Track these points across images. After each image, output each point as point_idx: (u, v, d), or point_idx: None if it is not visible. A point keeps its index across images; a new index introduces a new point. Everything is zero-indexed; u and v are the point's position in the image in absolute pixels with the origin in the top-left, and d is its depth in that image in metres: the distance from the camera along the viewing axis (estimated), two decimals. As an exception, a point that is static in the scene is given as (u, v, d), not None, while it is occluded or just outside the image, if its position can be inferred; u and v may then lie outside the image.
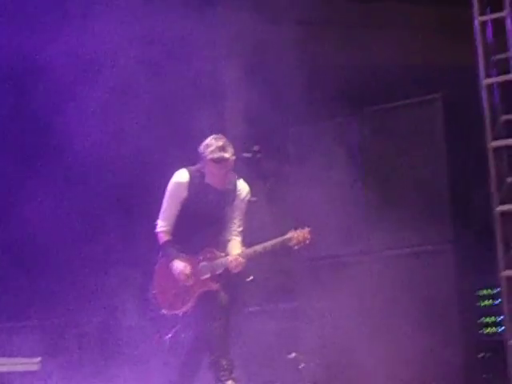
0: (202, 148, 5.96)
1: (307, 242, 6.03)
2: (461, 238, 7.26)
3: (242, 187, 6.15)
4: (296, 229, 6.00)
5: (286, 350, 7.17)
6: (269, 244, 5.99)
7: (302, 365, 6.48)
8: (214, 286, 6.05)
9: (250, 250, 6.00)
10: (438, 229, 7.25)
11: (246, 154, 8.36)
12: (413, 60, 8.30)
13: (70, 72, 8.27)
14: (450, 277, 7.20)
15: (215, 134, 6.05)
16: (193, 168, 6.08)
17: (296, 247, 6.03)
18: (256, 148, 8.40)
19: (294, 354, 6.50)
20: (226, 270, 6.03)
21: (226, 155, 5.90)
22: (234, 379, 6.02)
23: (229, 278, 6.17)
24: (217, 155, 5.88)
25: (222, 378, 5.96)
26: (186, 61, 8.24)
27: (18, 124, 8.85)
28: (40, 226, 8.67)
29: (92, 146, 8.41)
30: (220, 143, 5.91)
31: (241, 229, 6.12)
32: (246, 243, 6.07)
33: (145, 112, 8.27)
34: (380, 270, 7.41)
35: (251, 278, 8.58)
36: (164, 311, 6.17)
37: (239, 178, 6.14)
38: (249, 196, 6.18)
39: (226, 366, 6.01)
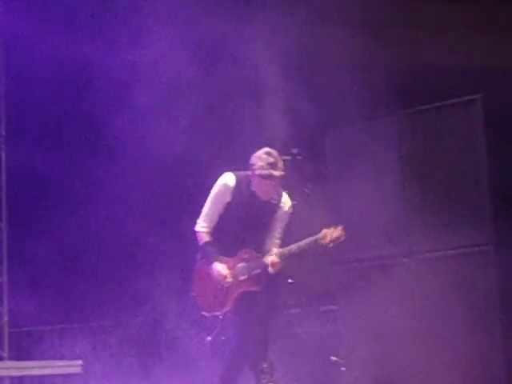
0: (253, 160, 5.94)
1: (341, 239, 6.02)
2: (503, 240, 7.18)
3: (286, 200, 6.14)
4: (329, 227, 5.99)
5: (327, 353, 7.15)
6: (303, 243, 6.00)
7: (343, 368, 6.46)
8: (253, 287, 6.07)
9: (285, 250, 6.00)
10: (479, 230, 7.18)
11: (285, 157, 8.36)
12: (457, 61, 8.23)
13: (123, 77, 8.40)
14: (492, 278, 7.13)
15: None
16: (240, 173, 6.07)
17: (331, 245, 6.01)
18: (295, 151, 8.39)
19: (335, 358, 6.48)
20: (264, 271, 6.04)
21: (275, 173, 5.88)
22: (274, 382, 6.02)
23: (267, 280, 6.18)
24: (266, 172, 5.87)
25: (263, 381, 5.97)
26: (229, 65, 8.29)
27: (75, 129, 9.00)
28: (91, 231, 8.80)
29: (143, 150, 8.55)
30: (271, 160, 5.88)
31: (278, 241, 6.13)
32: (284, 245, 6.08)
33: (192, 115, 8.34)
34: (421, 272, 7.36)
35: (291, 280, 8.59)
36: (204, 313, 6.20)
37: (283, 190, 6.14)
38: (291, 210, 6.17)
39: (266, 369, 6.02)
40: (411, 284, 7.38)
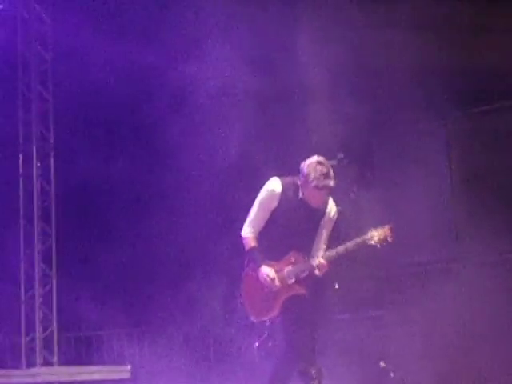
0: (306, 170, 5.85)
1: (389, 239, 5.95)
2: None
3: (331, 206, 6.09)
4: (376, 228, 5.95)
5: (376, 359, 7.10)
6: (350, 244, 5.95)
7: (392, 374, 6.40)
8: (301, 290, 6.04)
9: (332, 252, 5.96)
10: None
11: (331, 162, 8.32)
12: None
13: (180, 87, 8.50)
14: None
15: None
16: (287, 179, 6.02)
17: (378, 246, 5.96)
18: (341, 155, 8.35)
19: (383, 364, 6.43)
20: (311, 274, 6.02)
21: (331, 183, 5.81)
22: (322, 388, 5.99)
23: (315, 284, 6.16)
24: (322, 183, 5.79)
25: (312, 387, 5.94)
26: (280, 71, 8.31)
27: (131, 138, 9.10)
28: (143, 238, 8.89)
29: (198, 158, 8.64)
30: (325, 170, 5.81)
31: (325, 246, 6.10)
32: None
33: (244, 122, 8.39)
34: (469, 277, 7.26)
35: (337, 286, 8.55)
36: (252, 319, 6.18)
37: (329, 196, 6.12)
38: (336, 216, 6.13)
39: (314, 375, 5.98)
40: (462, 289, 7.29)
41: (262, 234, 6.10)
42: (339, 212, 6.94)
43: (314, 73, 8.10)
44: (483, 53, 7.59)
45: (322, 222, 6.06)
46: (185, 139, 8.49)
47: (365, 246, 5.94)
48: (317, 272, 5.97)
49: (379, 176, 7.93)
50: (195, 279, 8.98)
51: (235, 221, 6.44)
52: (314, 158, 5.91)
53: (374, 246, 5.93)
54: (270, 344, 7.84)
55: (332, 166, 7.97)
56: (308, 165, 5.89)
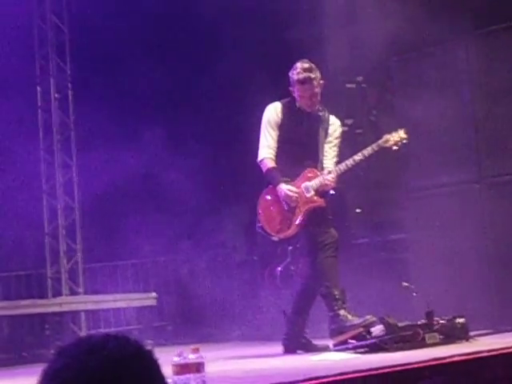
0: (290, 73, 6.18)
1: (405, 141, 6.14)
2: None
3: (334, 119, 6.33)
4: (390, 132, 6.12)
5: (397, 281, 7.13)
6: (366, 150, 6.10)
7: (415, 294, 6.44)
8: (319, 201, 6.14)
9: (349, 160, 6.08)
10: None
11: (349, 85, 8.26)
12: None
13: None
14: None
15: (319, 65, 6.20)
16: (282, 100, 6.29)
17: (394, 148, 6.14)
18: (359, 79, 8.28)
19: (406, 284, 6.47)
20: (328, 188, 6.11)
21: (312, 75, 6.09)
22: (346, 309, 6.06)
23: (337, 208, 6.28)
24: (302, 76, 6.09)
25: (335, 308, 6.02)
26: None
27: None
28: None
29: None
30: (306, 65, 6.14)
31: (335, 160, 6.20)
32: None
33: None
34: (491, 197, 7.23)
35: (359, 210, 8.56)
36: (274, 238, 6.25)
37: (331, 113, 6.27)
38: (341, 129, 6.31)
39: (338, 296, 6.05)
40: (480, 210, 7.27)
41: (277, 157, 6.20)
42: (358, 134, 6.93)
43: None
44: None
45: (329, 133, 6.16)
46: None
47: (381, 148, 6.06)
48: (328, 184, 6.07)
49: (399, 99, 7.85)
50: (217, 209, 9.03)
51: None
52: (299, 60, 6.21)
53: (390, 148, 6.05)
54: (292, 268, 7.90)
55: (350, 89, 7.97)
56: (293, 67, 6.19)
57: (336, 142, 6.27)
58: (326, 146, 6.22)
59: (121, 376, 1.57)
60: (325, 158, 6.21)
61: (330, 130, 6.24)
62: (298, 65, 6.14)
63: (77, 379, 1.56)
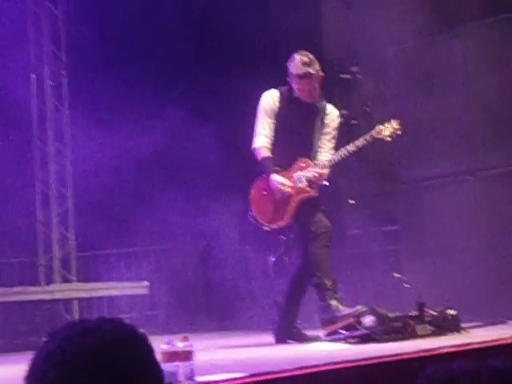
0: (288, 64, 6.07)
1: (398, 132, 6.08)
2: None
3: (332, 109, 6.24)
4: (383, 123, 6.06)
5: (389, 272, 7.15)
6: (359, 141, 6.04)
7: (407, 285, 6.46)
8: (312, 192, 6.11)
9: (342, 151, 6.03)
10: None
11: (344, 76, 8.25)
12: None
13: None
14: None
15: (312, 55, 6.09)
16: (281, 87, 6.19)
17: (388, 139, 6.08)
18: (355, 69, 8.27)
19: (398, 275, 6.49)
20: (323, 186, 6.08)
21: (312, 70, 5.98)
22: (337, 299, 6.06)
23: (330, 199, 6.23)
24: (302, 70, 5.98)
25: (326, 297, 6.02)
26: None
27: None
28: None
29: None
30: (305, 59, 6.01)
31: (332, 151, 6.15)
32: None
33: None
34: (485, 189, 7.25)
35: (352, 201, 8.57)
36: (266, 228, 6.24)
37: (328, 103, 6.20)
38: (338, 120, 6.22)
39: (329, 286, 6.05)
40: (474, 202, 7.29)
41: (272, 146, 6.16)
42: (353, 125, 6.92)
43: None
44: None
45: (325, 122, 6.11)
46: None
47: (374, 139, 6.01)
48: (316, 178, 6.02)
49: (394, 90, 7.85)
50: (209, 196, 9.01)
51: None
52: (299, 52, 6.08)
53: (384, 139, 6.00)
54: (286, 259, 7.89)
55: (345, 80, 7.95)
56: (290, 58, 6.05)
57: (334, 133, 6.19)
58: (323, 138, 6.15)
59: (115, 358, 1.57)
60: (322, 150, 6.16)
61: (327, 120, 6.17)
62: (297, 57, 6.00)
63: (70, 361, 1.55)
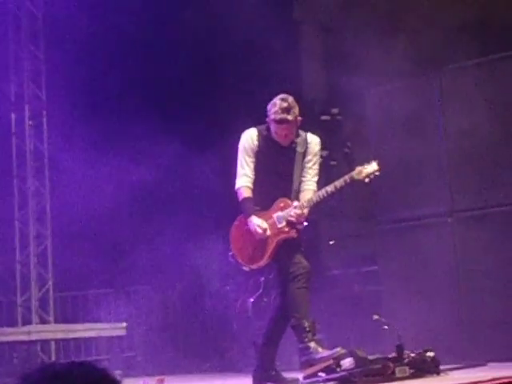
0: (268, 106, 6.07)
1: (377, 173, 6.06)
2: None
3: (312, 139, 6.22)
4: (362, 164, 6.04)
5: (369, 313, 7.12)
6: (338, 182, 6.01)
7: (386, 327, 6.43)
8: (291, 233, 6.09)
9: (322, 192, 6.02)
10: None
11: (324, 117, 8.31)
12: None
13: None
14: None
15: (291, 96, 6.09)
16: (259, 126, 6.20)
17: (367, 180, 6.05)
18: (335, 111, 8.34)
19: (377, 316, 6.45)
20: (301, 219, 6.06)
21: (289, 117, 5.97)
22: (316, 341, 6.02)
23: (310, 241, 6.20)
24: (279, 116, 5.97)
25: (305, 340, 5.96)
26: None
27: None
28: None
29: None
30: (284, 105, 5.98)
31: (315, 179, 6.15)
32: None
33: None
34: (464, 231, 7.27)
35: (332, 242, 8.57)
36: (245, 268, 6.21)
37: (306, 132, 6.20)
38: (319, 146, 6.22)
39: (308, 328, 6.01)
40: (453, 243, 7.31)
41: (254, 185, 6.17)
42: (333, 166, 6.92)
43: (309, 29, 8.04)
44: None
45: (306, 157, 6.12)
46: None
47: (353, 181, 6.00)
48: (293, 219, 6.00)
49: (373, 131, 7.91)
50: (189, 239, 8.99)
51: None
52: (279, 95, 6.05)
53: (363, 180, 5.99)
54: (265, 300, 7.85)
55: (325, 122, 7.98)
56: (271, 101, 6.04)
57: (315, 159, 6.19)
58: (306, 167, 6.17)
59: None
60: (305, 178, 6.17)
61: (309, 149, 6.19)
62: (278, 102, 5.99)
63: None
